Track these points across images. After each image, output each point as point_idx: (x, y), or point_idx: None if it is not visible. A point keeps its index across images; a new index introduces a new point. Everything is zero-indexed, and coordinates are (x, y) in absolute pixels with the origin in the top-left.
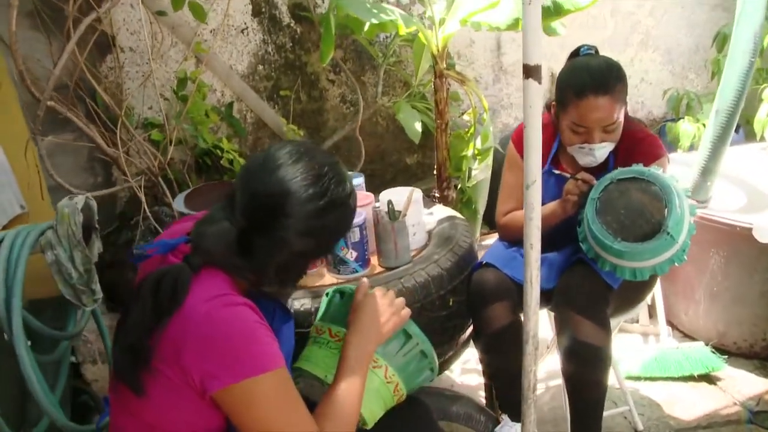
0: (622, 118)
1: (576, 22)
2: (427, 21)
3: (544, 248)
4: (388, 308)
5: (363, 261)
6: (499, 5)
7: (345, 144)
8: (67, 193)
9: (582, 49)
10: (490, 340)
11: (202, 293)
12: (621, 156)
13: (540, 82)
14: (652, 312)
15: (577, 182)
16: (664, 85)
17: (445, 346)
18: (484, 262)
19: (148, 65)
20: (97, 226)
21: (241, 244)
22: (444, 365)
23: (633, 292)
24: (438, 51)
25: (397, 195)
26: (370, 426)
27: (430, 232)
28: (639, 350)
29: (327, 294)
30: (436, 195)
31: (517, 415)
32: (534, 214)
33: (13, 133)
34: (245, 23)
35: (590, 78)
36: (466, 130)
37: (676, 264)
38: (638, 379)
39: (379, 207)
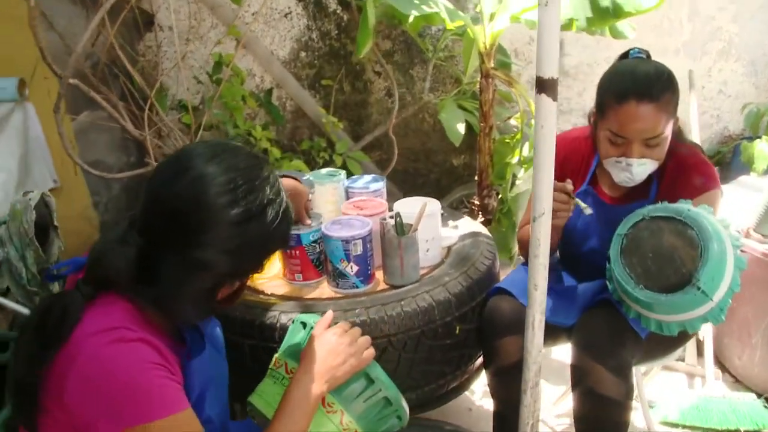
0: (668, 133)
1: (647, 24)
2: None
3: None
4: (347, 348)
5: (365, 276)
6: None
7: (386, 139)
8: (97, 167)
9: (632, 52)
10: (498, 374)
11: (91, 326)
12: (666, 182)
13: (555, 99)
14: (701, 350)
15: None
16: (744, 99)
17: (448, 377)
18: (501, 288)
19: (185, 46)
20: (56, 224)
21: (142, 266)
22: (449, 395)
23: (666, 340)
24: (485, 48)
25: (413, 206)
26: None
27: (449, 248)
28: (680, 393)
29: (293, 322)
30: (476, 202)
31: None
32: (540, 251)
33: (51, 109)
34: (289, 7)
35: (633, 82)
36: (513, 135)
37: (713, 324)
38: (675, 426)
39: (386, 219)
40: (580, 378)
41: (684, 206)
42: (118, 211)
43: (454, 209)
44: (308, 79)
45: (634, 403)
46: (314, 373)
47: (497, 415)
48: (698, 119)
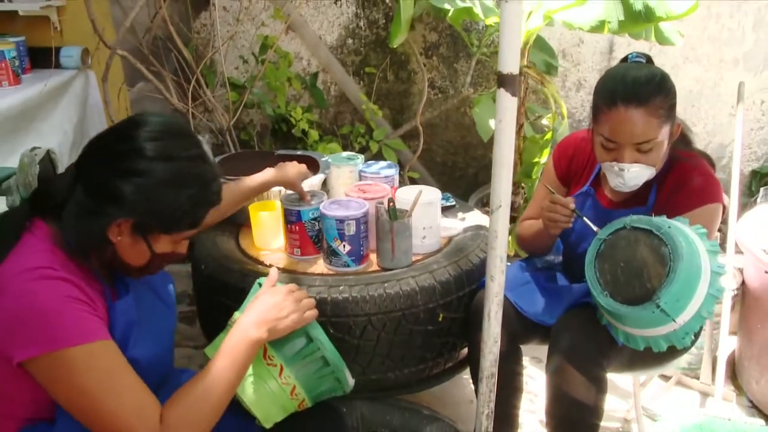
0: (662, 138)
1: (706, 32)
2: None
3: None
4: (291, 304)
5: (357, 256)
6: (586, 4)
7: (427, 130)
8: None
9: (630, 56)
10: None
11: (17, 266)
12: (666, 191)
13: (514, 95)
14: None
15: (554, 204)
16: None
17: (429, 362)
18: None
19: (237, 25)
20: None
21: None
22: (431, 380)
23: (648, 354)
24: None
25: (413, 194)
26: (268, 426)
27: (451, 239)
28: (686, 410)
29: (256, 283)
30: None
31: None
32: (497, 243)
33: (113, 77)
34: None
35: (623, 87)
36: (543, 134)
37: (676, 347)
38: None
39: (382, 204)
40: (552, 376)
41: (665, 222)
42: None
43: (484, 204)
44: (353, 65)
45: (632, 414)
46: (254, 321)
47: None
48: (756, 134)
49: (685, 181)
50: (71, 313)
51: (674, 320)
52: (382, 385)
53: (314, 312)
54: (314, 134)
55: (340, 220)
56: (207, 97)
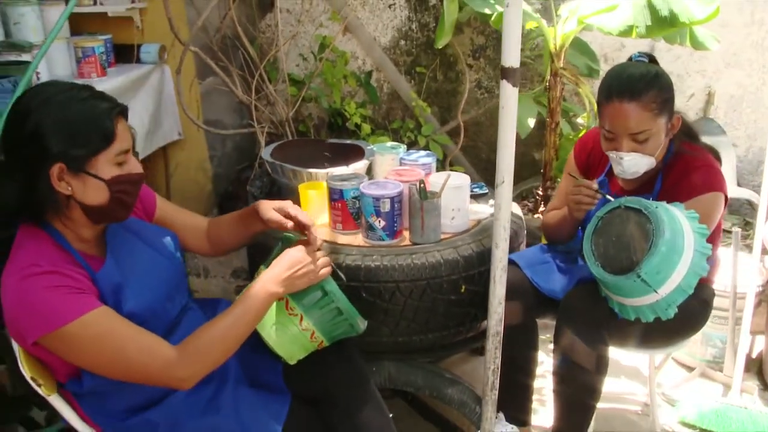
0: (657, 130)
1: (749, 38)
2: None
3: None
4: (308, 264)
5: (391, 231)
6: (617, 9)
7: (472, 128)
8: (216, 125)
9: (633, 56)
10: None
11: (10, 268)
12: (670, 180)
13: (515, 86)
14: (747, 365)
15: (578, 187)
16: None
17: (451, 330)
18: (510, 259)
19: (299, 26)
20: (137, 151)
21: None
22: (454, 347)
23: (653, 331)
24: (555, 49)
25: (456, 178)
26: (292, 362)
27: (479, 221)
28: (704, 396)
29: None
30: (540, 193)
31: (511, 418)
32: (501, 214)
33: (185, 71)
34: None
35: (618, 82)
36: (577, 132)
37: (660, 317)
38: (693, 427)
39: (415, 185)
40: (557, 339)
41: (654, 203)
42: (228, 165)
43: (523, 198)
44: (405, 65)
45: (647, 398)
46: (274, 277)
47: (503, 374)
48: None
49: (688, 171)
50: (54, 299)
51: (655, 291)
52: (409, 347)
53: (328, 269)
54: (366, 128)
55: (377, 198)
56: (269, 91)
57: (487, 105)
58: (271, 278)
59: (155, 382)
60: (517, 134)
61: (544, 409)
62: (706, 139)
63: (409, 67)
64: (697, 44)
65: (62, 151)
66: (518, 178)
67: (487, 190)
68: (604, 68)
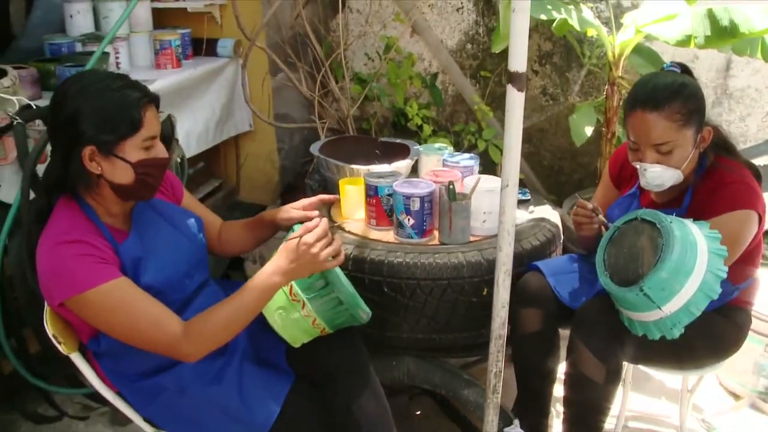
0: (683, 142)
1: None
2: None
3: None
4: (312, 254)
5: (420, 230)
6: (676, 18)
7: (537, 135)
8: (284, 119)
9: (665, 65)
10: (516, 342)
11: (45, 235)
12: (701, 195)
13: (521, 90)
14: None
15: (578, 208)
16: None
17: (473, 332)
18: (536, 266)
19: (367, 26)
20: (177, 138)
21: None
22: (474, 349)
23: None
24: (613, 57)
25: (486, 182)
26: (296, 345)
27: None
28: (744, 425)
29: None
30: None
31: (528, 427)
32: (505, 218)
33: (257, 66)
34: (461, 3)
35: (643, 92)
36: None
37: (665, 336)
38: None
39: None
40: (569, 350)
41: (669, 217)
42: (295, 158)
43: None
44: (471, 69)
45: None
46: (278, 264)
47: (518, 381)
48: None
49: (719, 187)
50: (80, 266)
51: (659, 308)
52: (428, 345)
53: (338, 260)
54: (427, 129)
55: (407, 197)
56: (333, 88)
57: (549, 112)
58: (274, 269)
59: (162, 353)
60: (574, 143)
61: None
62: None
63: (475, 70)
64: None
65: (94, 135)
66: (579, 186)
67: (529, 197)
68: None
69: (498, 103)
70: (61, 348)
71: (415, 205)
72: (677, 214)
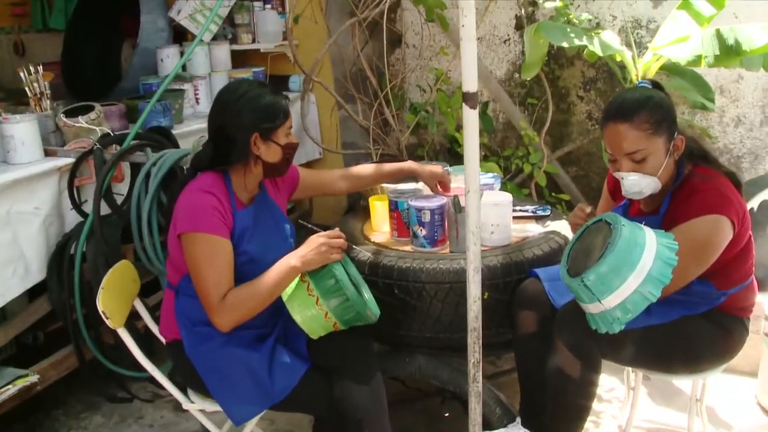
0: (654, 150)
1: None
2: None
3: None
4: (321, 248)
5: (432, 240)
6: (688, 40)
7: (584, 158)
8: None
9: (638, 82)
10: (515, 343)
11: (189, 187)
12: (677, 202)
13: (474, 108)
14: None
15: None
16: None
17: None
18: (534, 272)
19: (422, 59)
20: None
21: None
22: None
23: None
24: (637, 79)
25: (491, 196)
26: (314, 337)
27: (525, 238)
28: None
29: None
30: None
31: (528, 424)
32: (470, 220)
33: (326, 99)
34: (508, 35)
35: (613, 106)
36: None
37: (606, 331)
38: None
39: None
40: (551, 350)
41: (622, 219)
42: None
43: None
44: (519, 96)
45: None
46: (296, 253)
47: (520, 382)
48: None
49: (693, 193)
50: (207, 213)
51: (599, 301)
52: (436, 344)
53: (336, 256)
54: None
55: (419, 210)
56: (389, 117)
57: (591, 136)
58: (293, 254)
59: (206, 311)
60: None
61: None
62: None
63: (523, 98)
64: None
65: (258, 124)
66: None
67: (549, 212)
68: (719, 102)
69: (547, 129)
70: (109, 322)
71: (427, 217)
72: (654, 220)
